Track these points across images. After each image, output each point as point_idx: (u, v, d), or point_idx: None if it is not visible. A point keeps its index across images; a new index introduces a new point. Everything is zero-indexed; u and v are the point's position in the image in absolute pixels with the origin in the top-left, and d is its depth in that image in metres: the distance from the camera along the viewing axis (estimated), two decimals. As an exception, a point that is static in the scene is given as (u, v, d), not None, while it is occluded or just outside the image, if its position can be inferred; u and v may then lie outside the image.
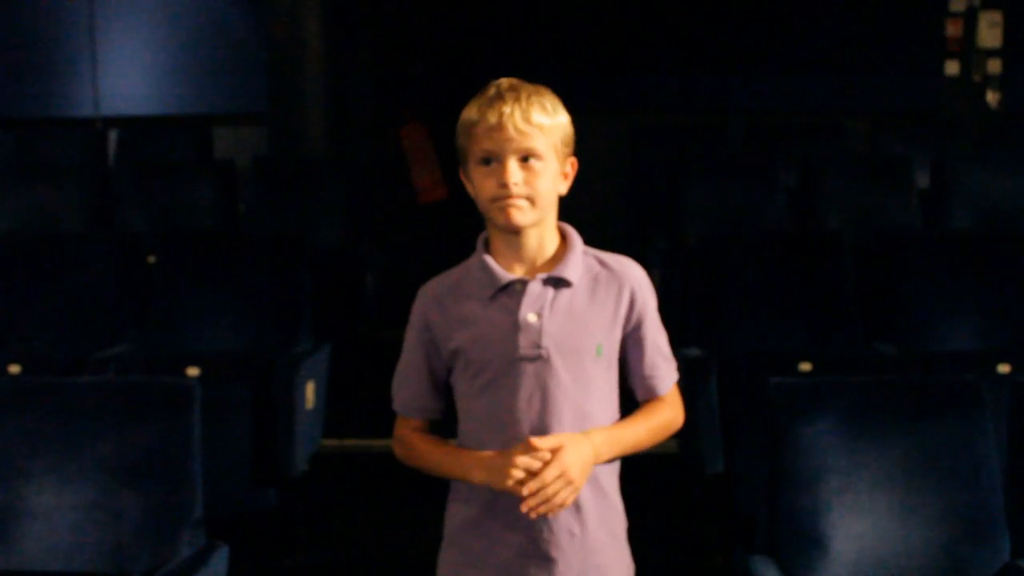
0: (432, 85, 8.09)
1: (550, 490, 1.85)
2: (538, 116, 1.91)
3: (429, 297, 2.03)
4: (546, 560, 1.93)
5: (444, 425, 2.08)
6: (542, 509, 1.87)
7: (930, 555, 2.53)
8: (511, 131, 1.89)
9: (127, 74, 7.66)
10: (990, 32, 7.61)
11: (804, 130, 6.70)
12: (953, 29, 7.65)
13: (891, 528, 2.54)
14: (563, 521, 1.93)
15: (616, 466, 2.02)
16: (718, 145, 6.64)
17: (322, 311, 4.42)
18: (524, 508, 1.86)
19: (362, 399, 4.75)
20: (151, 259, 4.42)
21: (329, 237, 5.34)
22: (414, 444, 2.05)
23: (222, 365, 3.77)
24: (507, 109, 1.90)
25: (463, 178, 2.00)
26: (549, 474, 1.85)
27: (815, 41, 7.83)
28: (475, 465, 1.93)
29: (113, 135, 6.84)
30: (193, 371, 3.66)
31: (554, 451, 1.86)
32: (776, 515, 2.58)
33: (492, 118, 1.90)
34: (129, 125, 7.14)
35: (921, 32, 7.70)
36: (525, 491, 1.85)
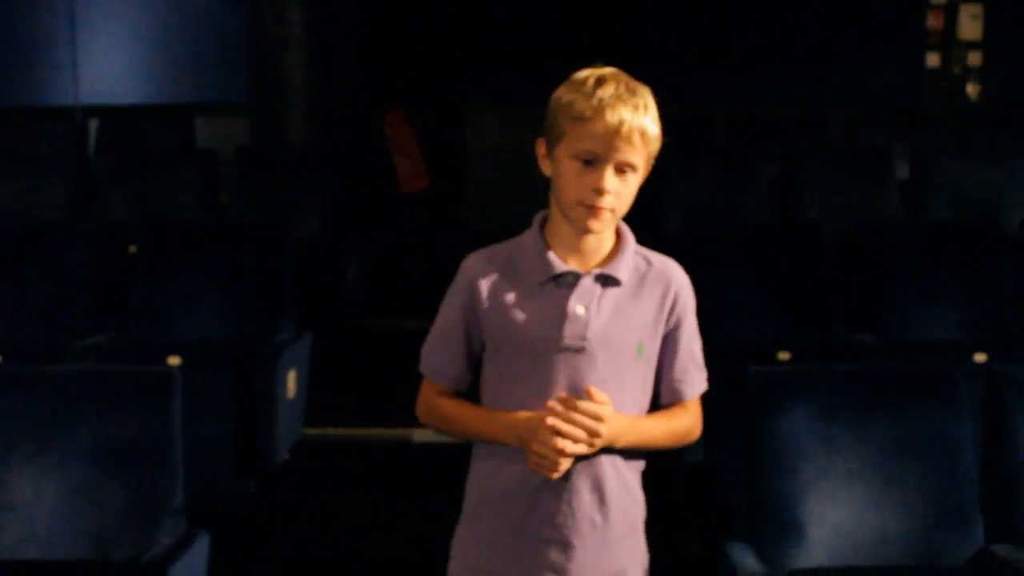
0: (415, 75, 8.08)
1: (575, 429, 1.84)
2: (651, 127, 1.89)
3: (477, 269, 1.98)
4: (565, 546, 1.93)
5: (469, 396, 2.06)
6: (544, 465, 1.86)
7: (906, 541, 2.55)
8: (624, 140, 1.85)
9: (108, 63, 7.62)
10: (970, 24, 7.65)
11: (785, 122, 6.73)
12: (934, 21, 7.69)
13: (867, 515, 2.57)
14: (587, 510, 1.93)
15: (642, 465, 2.02)
16: (700, 137, 6.66)
17: (304, 300, 4.42)
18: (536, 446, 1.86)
19: (344, 388, 4.76)
20: (132, 248, 4.41)
21: (311, 227, 5.33)
22: (441, 406, 2.02)
23: (203, 354, 3.77)
24: (628, 116, 1.85)
25: (541, 151, 1.95)
26: (589, 409, 1.85)
27: (796, 34, 7.85)
28: (509, 425, 1.92)
29: (94, 124, 6.80)
30: (174, 360, 3.66)
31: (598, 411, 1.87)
32: (754, 503, 2.60)
33: (612, 120, 1.84)
34: (110, 114, 7.10)
35: (902, 24, 7.73)
36: (536, 448, 1.85)
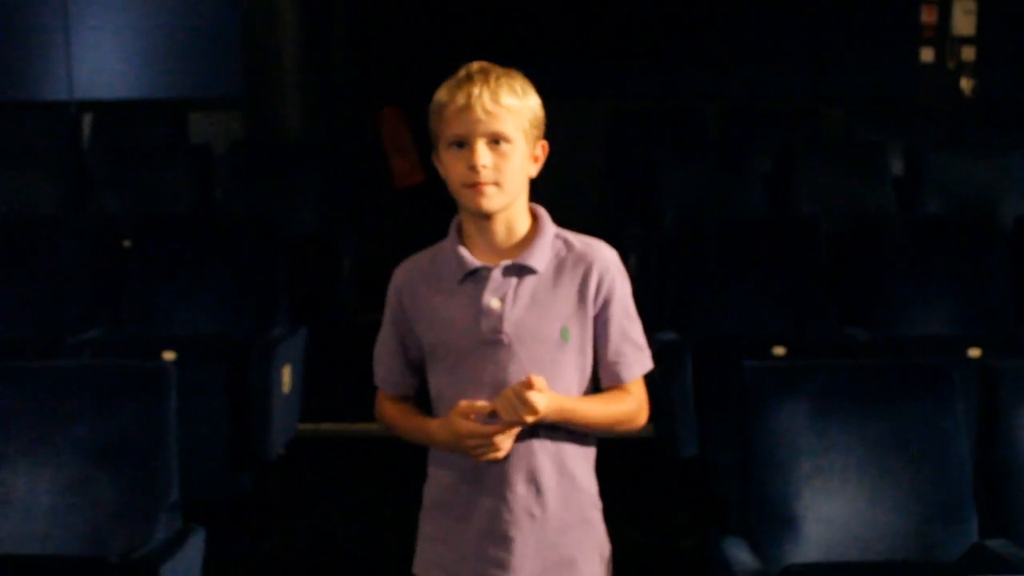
0: (409, 70, 8.07)
1: (510, 409, 1.87)
2: (507, 98, 1.91)
3: (402, 278, 2.05)
4: (504, 540, 1.95)
5: (419, 399, 2.11)
6: (480, 452, 1.91)
7: (900, 536, 2.56)
8: (479, 112, 1.89)
9: (102, 57, 7.60)
10: (964, 20, 7.66)
11: (779, 117, 6.73)
12: (928, 16, 7.70)
13: (862, 509, 2.57)
14: (523, 503, 1.95)
15: (589, 451, 2.03)
16: (694, 131, 6.66)
17: (298, 295, 4.42)
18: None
19: (338, 383, 4.76)
20: (126, 243, 4.40)
21: (305, 221, 5.33)
22: (386, 413, 2.10)
23: (198, 349, 3.77)
24: (476, 90, 1.90)
25: (435, 161, 1.99)
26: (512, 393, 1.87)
27: (791, 28, 7.85)
28: (432, 434, 1.98)
29: (87, 119, 6.79)
30: (169, 355, 3.65)
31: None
32: (749, 497, 2.60)
33: (461, 99, 1.90)
34: (104, 109, 7.08)
35: (896, 19, 7.73)
36: (467, 443, 1.90)
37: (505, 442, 1.91)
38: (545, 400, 1.88)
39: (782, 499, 2.58)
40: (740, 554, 2.49)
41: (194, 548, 2.68)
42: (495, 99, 1.90)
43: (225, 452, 3.67)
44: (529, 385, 1.86)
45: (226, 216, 5.18)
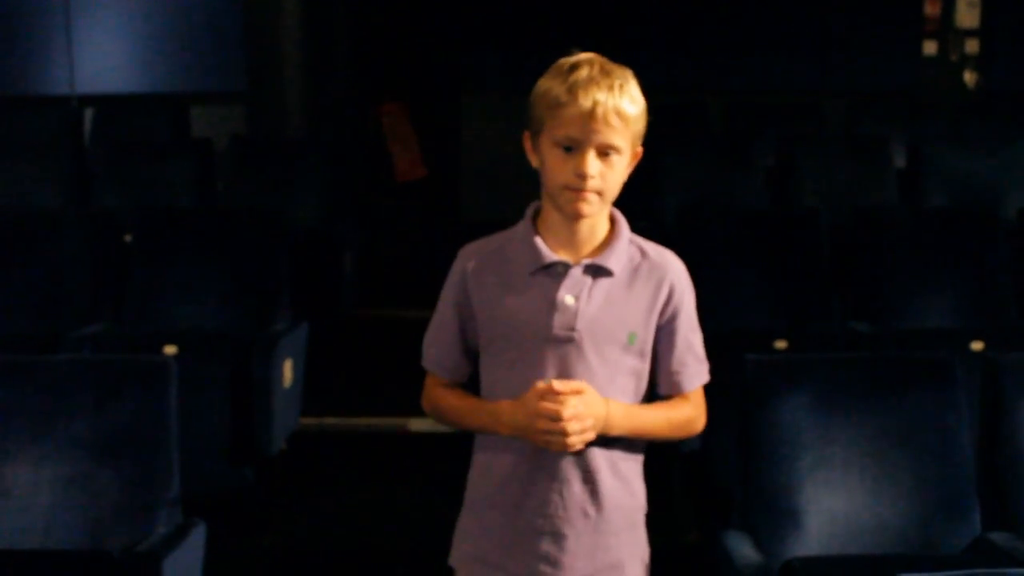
0: (411, 65, 8.06)
1: (567, 426, 1.84)
2: (628, 107, 1.86)
3: (470, 260, 1.99)
4: (558, 536, 1.93)
5: (468, 387, 2.07)
6: (553, 440, 1.86)
7: (903, 529, 2.55)
8: (600, 122, 1.84)
9: (103, 52, 7.60)
10: (968, 12, 7.65)
11: (782, 110, 6.73)
12: (931, 9, 7.68)
13: (865, 503, 2.57)
14: (578, 501, 1.93)
15: (639, 457, 2.02)
16: (696, 124, 6.65)
17: (300, 290, 4.42)
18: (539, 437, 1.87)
19: (340, 378, 4.77)
20: (127, 237, 4.40)
21: (307, 216, 5.33)
22: (440, 398, 2.04)
23: (199, 343, 3.77)
24: (602, 97, 1.84)
25: (527, 145, 1.95)
26: (566, 412, 1.85)
27: (793, 21, 7.84)
28: (502, 415, 1.92)
29: (89, 113, 6.79)
30: (170, 349, 3.65)
31: (575, 393, 1.86)
32: (751, 491, 2.60)
33: (586, 103, 1.84)
34: (105, 103, 7.09)
35: (899, 12, 7.72)
36: (541, 424, 1.85)
37: (577, 437, 1.86)
38: (576, 404, 1.85)
39: (784, 493, 2.58)
40: (742, 548, 2.49)
41: (195, 543, 2.68)
42: (619, 110, 1.85)
43: (226, 447, 3.67)
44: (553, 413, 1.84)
45: (227, 211, 5.17)
